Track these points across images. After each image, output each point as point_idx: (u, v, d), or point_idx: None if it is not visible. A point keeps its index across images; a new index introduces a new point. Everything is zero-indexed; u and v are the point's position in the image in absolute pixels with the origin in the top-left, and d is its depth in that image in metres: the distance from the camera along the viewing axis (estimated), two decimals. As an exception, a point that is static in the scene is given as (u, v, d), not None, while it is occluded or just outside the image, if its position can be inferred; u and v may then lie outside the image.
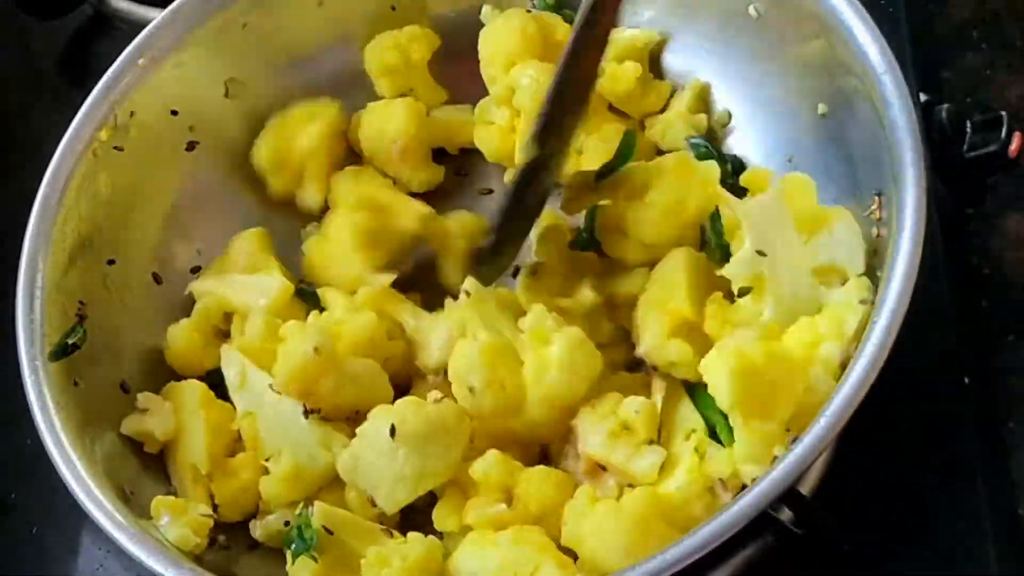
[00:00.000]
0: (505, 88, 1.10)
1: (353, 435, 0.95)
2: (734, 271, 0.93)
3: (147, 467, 1.03)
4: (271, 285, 1.07)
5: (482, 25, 1.15)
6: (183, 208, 1.15)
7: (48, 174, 1.06)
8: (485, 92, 1.15)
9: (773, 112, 1.08)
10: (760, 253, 0.92)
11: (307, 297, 1.09)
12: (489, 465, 0.93)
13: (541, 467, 0.94)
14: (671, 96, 1.13)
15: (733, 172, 1.06)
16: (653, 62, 1.14)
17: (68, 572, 1.10)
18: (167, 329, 1.09)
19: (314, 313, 1.04)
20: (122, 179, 1.10)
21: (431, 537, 0.92)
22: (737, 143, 1.11)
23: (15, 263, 1.03)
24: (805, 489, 0.95)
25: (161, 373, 1.08)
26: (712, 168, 1.00)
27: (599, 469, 0.94)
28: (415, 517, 0.97)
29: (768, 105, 1.08)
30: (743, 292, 0.94)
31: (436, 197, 1.16)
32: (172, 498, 0.98)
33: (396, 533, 0.94)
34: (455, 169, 1.19)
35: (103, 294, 1.08)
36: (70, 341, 1.01)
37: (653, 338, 0.95)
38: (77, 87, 1.20)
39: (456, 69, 1.18)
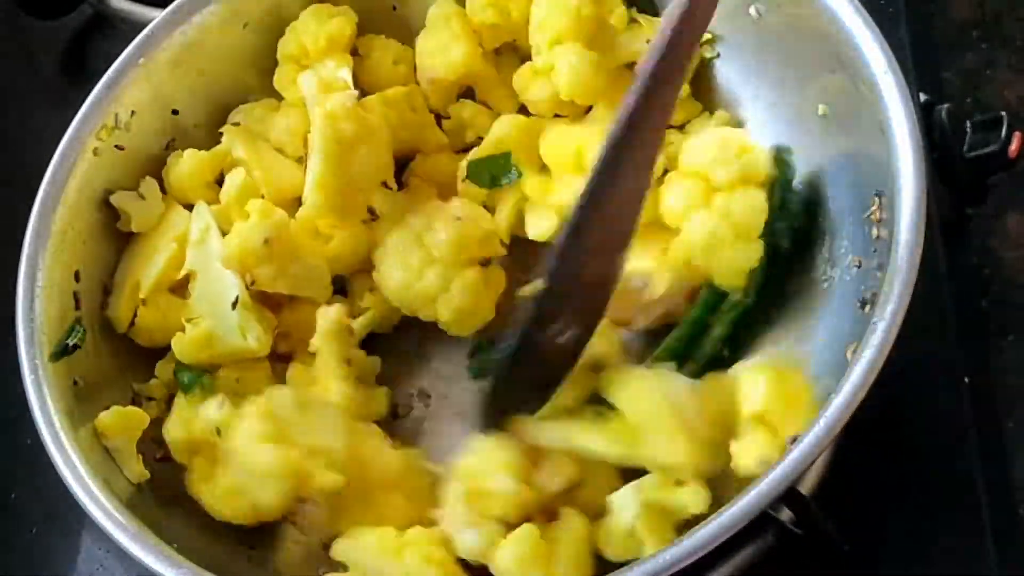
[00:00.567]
0: (546, 63, 1.09)
1: (275, 324, 1.04)
2: None
3: (147, 467, 1.03)
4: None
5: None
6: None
7: (48, 174, 1.06)
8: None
9: (772, 112, 1.07)
10: None
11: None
12: None
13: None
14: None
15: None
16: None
17: (68, 572, 1.10)
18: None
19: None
20: (122, 179, 1.10)
21: None
22: (737, 143, 1.11)
23: (15, 263, 1.03)
24: (805, 489, 0.95)
25: (162, 373, 1.08)
26: None
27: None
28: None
29: (767, 106, 1.08)
30: None
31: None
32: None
33: None
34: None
35: (103, 294, 1.08)
36: (70, 342, 1.01)
37: None
38: (77, 87, 1.20)
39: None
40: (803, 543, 0.93)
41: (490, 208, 1.10)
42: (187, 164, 1.10)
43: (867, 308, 0.91)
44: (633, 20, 1.11)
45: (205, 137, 1.16)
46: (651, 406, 0.88)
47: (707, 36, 1.08)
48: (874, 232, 0.93)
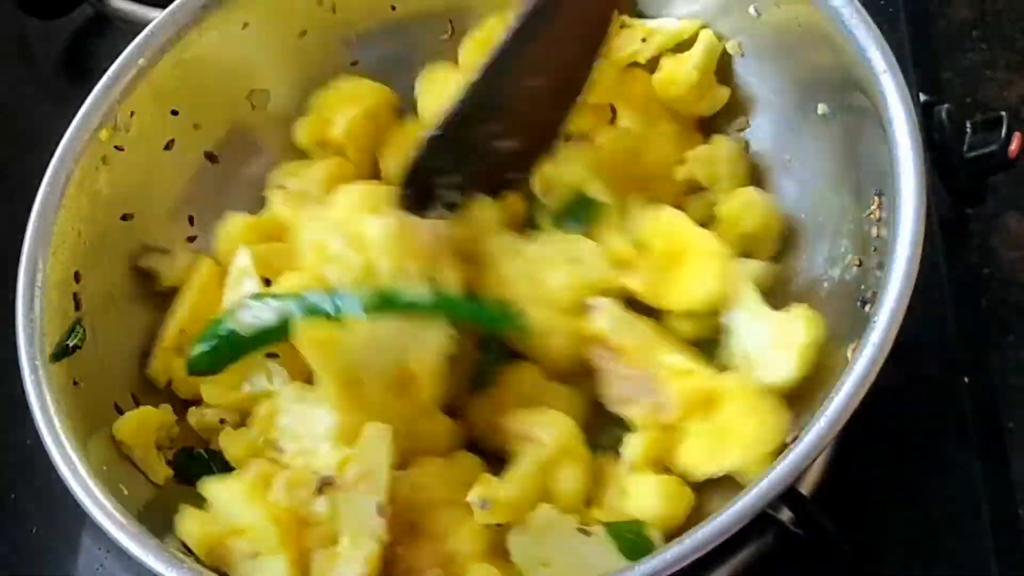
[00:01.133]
0: None
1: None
2: None
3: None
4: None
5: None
6: (184, 208, 1.15)
7: (48, 174, 1.06)
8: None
9: (772, 112, 1.07)
10: None
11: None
12: None
13: None
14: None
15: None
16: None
17: (68, 572, 1.10)
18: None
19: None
20: (122, 179, 1.10)
21: None
22: (736, 143, 1.11)
23: (15, 263, 1.03)
24: (805, 489, 0.95)
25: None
26: None
27: None
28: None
29: (767, 105, 1.08)
30: None
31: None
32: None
33: None
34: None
35: (103, 294, 1.08)
36: (70, 343, 1.01)
37: None
38: (77, 87, 1.19)
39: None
40: (803, 543, 0.93)
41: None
42: (235, 227, 1.10)
43: (867, 308, 0.91)
44: (623, 26, 1.11)
45: (205, 137, 1.16)
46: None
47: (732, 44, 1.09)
48: (874, 232, 0.93)
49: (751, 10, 1.06)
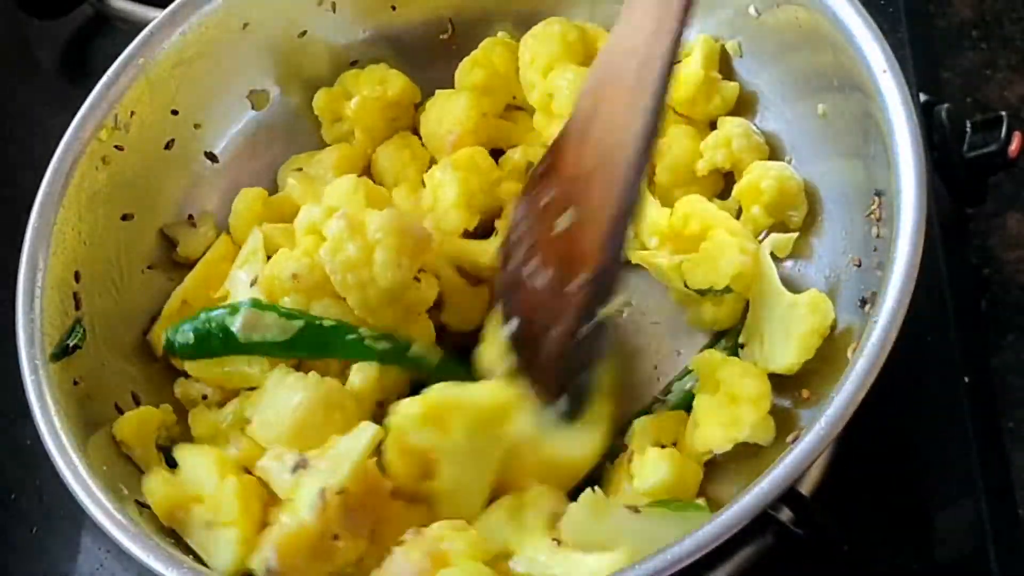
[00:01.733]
0: (543, 94, 1.09)
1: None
2: None
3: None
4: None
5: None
6: (184, 208, 1.15)
7: (48, 174, 1.06)
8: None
9: (772, 112, 1.07)
10: None
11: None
12: None
13: None
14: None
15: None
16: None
17: (68, 572, 1.10)
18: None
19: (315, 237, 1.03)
20: (122, 179, 1.10)
21: None
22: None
23: (15, 263, 1.03)
24: (805, 489, 0.95)
25: (163, 372, 1.08)
26: None
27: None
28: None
29: (767, 106, 1.08)
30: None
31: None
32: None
33: None
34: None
35: (104, 294, 1.08)
36: (70, 343, 1.01)
37: None
38: (77, 87, 1.20)
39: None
40: (803, 543, 0.93)
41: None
42: (249, 203, 1.12)
43: (867, 308, 0.91)
44: None
45: (205, 137, 1.16)
46: None
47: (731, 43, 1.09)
48: (874, 231, 0.93)
49: (751, 10, 1.06)
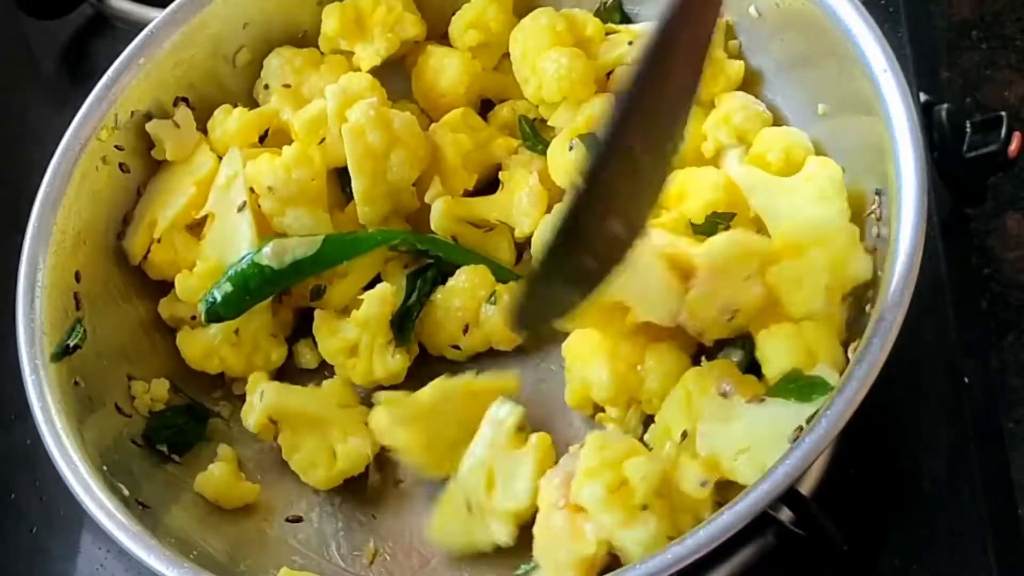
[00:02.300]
0: (536, 88, 1.09)
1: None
2: None
3: (148, 466, 1.03)
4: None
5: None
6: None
7: (48, 174, 1.06)
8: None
9: (772, 112, 1.07)
10: None
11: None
12: None
13: None
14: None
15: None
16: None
17: (68, 572, 1.10)
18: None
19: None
20: (122, 178, 1.10)
21: None
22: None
23: (15, 263, 1.03)
24: (805, 489, 0.95)
25: (164, 370, 1.08)
26: None
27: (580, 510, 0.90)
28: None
29: (767, 104, 1.08)
30: None
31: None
32: None
33: None
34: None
35: (104, 293, 1.08)
36: (71, 343, 1.01)
37: None
38: (77, 87, 1.20)
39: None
40: (803, 543, 0.93)
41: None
42: (235, 121, 1.11)
43: (867, 307, 0.91)
44: (609, 33, 1.11)
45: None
46: None
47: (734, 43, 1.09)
48: (874, 231, 0.93)
49: (752, 11, 1.06)
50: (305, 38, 1.17)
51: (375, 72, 1.12)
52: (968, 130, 1.01)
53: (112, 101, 1.09)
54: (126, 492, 0.96)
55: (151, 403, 1.06)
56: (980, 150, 1.01)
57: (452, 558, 0.98)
